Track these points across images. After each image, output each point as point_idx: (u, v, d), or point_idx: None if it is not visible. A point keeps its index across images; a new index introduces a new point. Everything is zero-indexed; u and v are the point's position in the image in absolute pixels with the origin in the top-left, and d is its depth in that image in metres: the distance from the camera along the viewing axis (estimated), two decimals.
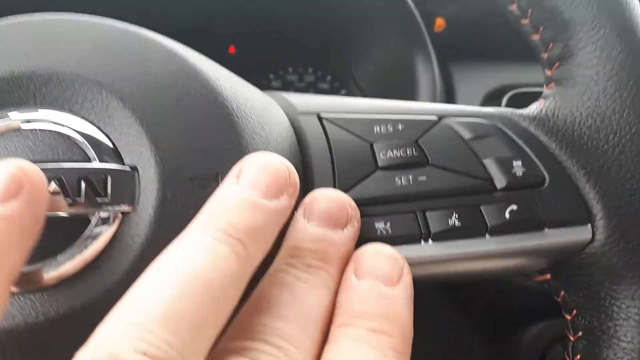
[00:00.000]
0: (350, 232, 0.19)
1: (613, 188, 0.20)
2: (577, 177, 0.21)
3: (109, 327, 0.13)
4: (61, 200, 0.17)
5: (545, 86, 0.23)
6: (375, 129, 0.22)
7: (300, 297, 0.16)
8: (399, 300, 0.17)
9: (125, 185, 0.18)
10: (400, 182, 0.21)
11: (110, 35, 0.19)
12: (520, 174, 0.21)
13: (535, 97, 0.23)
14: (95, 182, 0.17)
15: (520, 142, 0.21)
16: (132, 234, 0.17)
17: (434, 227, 0.20)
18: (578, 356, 0.21)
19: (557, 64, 0.22)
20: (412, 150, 0.21)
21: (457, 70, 0.52)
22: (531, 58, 0.24)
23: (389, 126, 0.22)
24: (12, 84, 0.18)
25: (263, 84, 0.57)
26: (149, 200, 0.17)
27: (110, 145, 0.18)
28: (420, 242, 0.20)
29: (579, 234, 0.20)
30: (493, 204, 0.20)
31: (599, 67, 0.21)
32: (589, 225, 0.20)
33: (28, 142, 0.18)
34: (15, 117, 0.18)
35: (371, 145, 0.21)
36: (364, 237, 0.19)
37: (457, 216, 0.20)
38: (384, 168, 0.21)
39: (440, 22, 0.53)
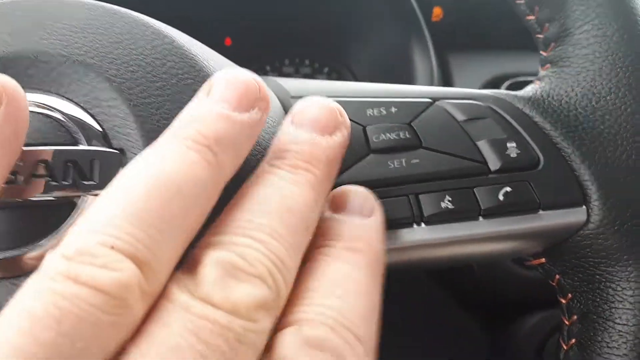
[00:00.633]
0: (338, 138, 0.18)
1: (608, 169, 0.20)
2: (572, 159, 0.20)
3: (78, 227, 0.13)
4: (48, 183, 0.17)
5: (540, 68, 0.23)
6: (367, 112, 0.21)
7: (285, 194, 0.16)
8: (373, 228, 0.18)
9: (112, 169, 0.17)
10: (393, 165, 0.20)
11: (96, 15, 0.19)
12: (515, 155, 0.20)
13: None
14: (82, 165, 0.17)
15: (514, 123, 0.21)
16: None
17: (427, 211, 0.20)
18: (573, 340, 0.21)
19: (552, 44, 0.22)
20: (405, 133, 0.21)
21: (454, 60, 0.52)
22: (529, 47, 0.24)
23: (381, 109, 0.21)
24: None
25: (259, 76, 0.57)
26: None
27: (98, 127, 0.18)
28: (412, 225, 0.20)
29: (573, 216, 0.20)
30: (487, 186, 0.20)
31: (595, 46, 0.21)
32: (584, 207, 0.20)
33: None
34: None
35: (364, 129, 0.21)
36: None
37: (450, 199, 0.20)
38: (377, 151, 0.21)
39: (437, 12, 0.53)
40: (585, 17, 0.21)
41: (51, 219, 0.17)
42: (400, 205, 0.20)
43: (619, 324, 0.20)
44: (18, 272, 0.16)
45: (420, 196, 0.20)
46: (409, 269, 0.18)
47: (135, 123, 0.17)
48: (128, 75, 0.18)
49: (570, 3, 0.21)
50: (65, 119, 0.18)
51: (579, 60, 0.21)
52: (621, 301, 0.20)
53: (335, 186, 0.19)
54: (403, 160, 0.21)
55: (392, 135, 0.21)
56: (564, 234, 0.21)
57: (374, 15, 0.53)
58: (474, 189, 0.20)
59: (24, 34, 0.18)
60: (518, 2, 0.23)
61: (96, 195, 0.17)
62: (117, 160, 0.17)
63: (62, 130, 0.17)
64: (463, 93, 0.22)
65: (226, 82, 0.17)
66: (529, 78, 0.47)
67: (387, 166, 0.20)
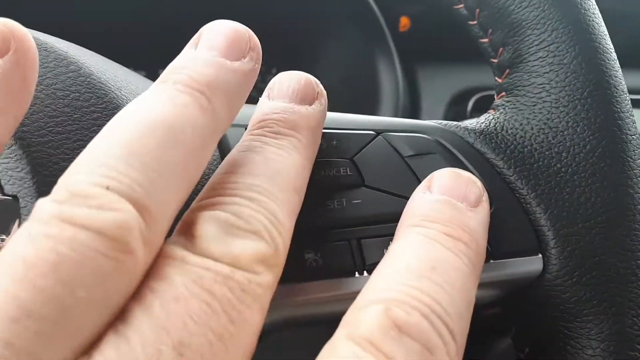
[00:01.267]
0: (317, 107, 0.18)
1: (566, 213, 0.18)
2: (527, 201, 0.18)
3: (70, 170, 0.12)
4: None
5: (495, 95, 0.21)
6: None
7: (271, 158, 0.16)
8: (477, 219, 0.16)
9: (4, 217, 0.16)
10: (333, 206, 0.18)
11: None
12: None
13: None
14: None
15: (464, 160, 0.19)
16: None
17: (369, 258, 0.18)
18: None
19: (507, 70, 0.20)
20: (347, 170, 0.19)
21: (422, 71, 0.50)
22: None
23: (322, 142, 0.19)
24: None
25: None
26: None
27: None
28: (354, 274, 0.18)
29: (529, 265, 0.18)
30: None
31: (552, 74, 0.19)
32: (540, 256, 0.18)
33: None
34: None
35: None
36: (291, 269, 0.17)
37: None
38: (316, 190, 0.18)
39: (405, 21, 0.51)
40: (540, 43, 0.19)
41: None
42: (341, 252, 0.18)
43: None
44: None
45: (363, 241, 0.18)
46: None
47: (28, 166, 0.16)
48: None
49: (524, 26, 0.19)
50: None
51: (534, 89, 0.19)
52: None
53: None
54: (344, 200, 0.19)
55: (332, 172, 0.19)
56: (519, 284, 0.19)
57: (337, 23, 0.51)
58: None
59: None
60: (471, 24, 0.20)
61: None
62: (10, 208, 0.16)
63: None
64: (409, 125, 0.20)
65: (215, 30, 0.16)
66: None
67: (327, 207, 0.18)
